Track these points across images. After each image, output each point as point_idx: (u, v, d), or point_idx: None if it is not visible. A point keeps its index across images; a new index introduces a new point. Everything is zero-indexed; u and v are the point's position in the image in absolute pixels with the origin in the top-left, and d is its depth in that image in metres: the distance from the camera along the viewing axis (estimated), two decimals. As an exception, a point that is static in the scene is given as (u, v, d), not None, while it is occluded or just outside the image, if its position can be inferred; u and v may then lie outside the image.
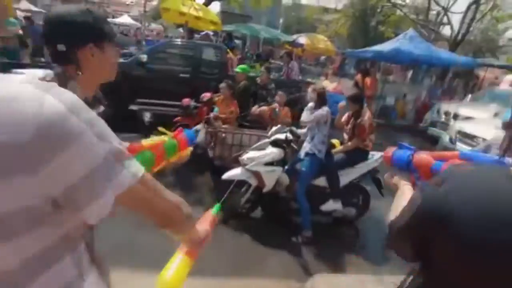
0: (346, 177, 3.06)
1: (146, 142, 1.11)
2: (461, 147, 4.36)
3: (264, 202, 3.14)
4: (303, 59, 11.90)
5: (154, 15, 20.33)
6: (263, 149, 2.96)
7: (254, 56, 8.89)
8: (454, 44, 10.66)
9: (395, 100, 9.20)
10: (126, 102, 5.37)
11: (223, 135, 3.74)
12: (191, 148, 1.31)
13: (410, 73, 13.57)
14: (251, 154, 2.95)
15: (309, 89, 3.05)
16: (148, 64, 5.33)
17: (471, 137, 4.92)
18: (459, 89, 9.91)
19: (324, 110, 2.86)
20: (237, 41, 13.77)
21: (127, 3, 42.60)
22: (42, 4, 25.48)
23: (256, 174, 2.88)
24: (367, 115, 3.00)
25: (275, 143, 2.93)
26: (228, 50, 6.76)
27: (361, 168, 3.08)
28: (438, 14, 15.48)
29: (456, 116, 6.77)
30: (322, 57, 12.88)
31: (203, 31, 10.85)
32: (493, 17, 12.81)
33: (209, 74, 5.58)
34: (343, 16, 13.96)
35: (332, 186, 3.04)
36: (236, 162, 3.12)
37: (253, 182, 2.95)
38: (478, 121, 5.89)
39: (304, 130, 3.09)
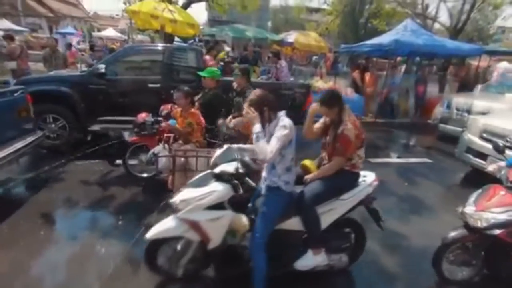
0: (330, 214, 2.13)
1: None
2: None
3: (217, 257, 2.13)
4: (294, 60, 11.16)
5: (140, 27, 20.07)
6: (205, 184, 1.97)
7: (238, 59, 8.07)
8: (454, 32, 9.97)
9: (398, 96, 8.44)
10: (86, 122, 4.52)
11: (182, 159, 2.83)
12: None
13: (403, 67, 13.12)
14: (186, 193, 1.96)
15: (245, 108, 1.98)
16: (108, 75, 4.47)
17: (501, 136, 4.09)
18: (449, 78, 9.12)
19: (285, 124, 1.87)
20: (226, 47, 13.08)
21: (113, 17, 42.30)
22: (26, 23, 24.86)
23: (195, 225, 1.93)
24: (351, 120, 2.07)
25: (221, 177, 1.96)
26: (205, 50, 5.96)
27: (351, 199, 2.16)
28: (426, 7, 15.13)
29: (469, 110, 6.06)
30: (314, 57, 12.15)
31: (190, 38, 10.08)
32: (490, 4, 12.23)
33: (184, 82, 4.72)
34: (333, 10, 13.37)
35: (310, 229, 2.10)
36: None
37: (193, 237, 1.97)
38: (499, 113, 5.13)
39: (246, 146, 2.14)
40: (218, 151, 2.12)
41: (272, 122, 1.95)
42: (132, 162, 3.76)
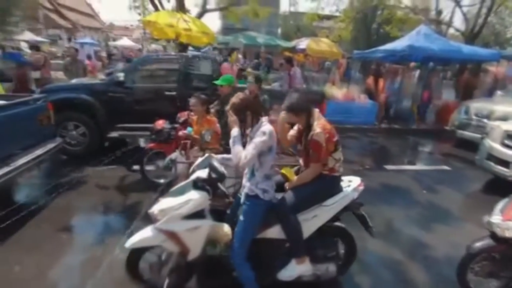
0: (313, 221, 2.06)
1: None
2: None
3: (199, 268, 2.08)
4: (306, 66, 11.18)
5: (154, 37, 20.99)
6: (184, 193, 1.93)
7: (250, 65, 8.16)
8: (470, 37, 9.78)
9: (412, 103, 8.30)
10: (105, 129, 4.64)
11: None
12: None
13: (417, 73, 12.94)
14: (164, 203, 1.93)
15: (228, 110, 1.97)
16: (127, 83, 4.61)
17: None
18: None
19: (264, 131, 1.85)
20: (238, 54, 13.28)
21: (128, 27, 43.75)
22: (46, 34, 26.04)
23: (172, 236, 1.89)
24: (320, 124, 2.02)
25: (197, 185, 1.94)
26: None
27: (334, 205, 2.09)
28: (440, 12, 14.89)
29: (489, 116, 5.92)
30: (327, 63, 12.14)
31: (204, 47, 10.31)
32: (507, 7, 11.97)
33: (200, 90, 4.81)
34: (346, 17, 13.36)
35: (291, 238, 2.04)
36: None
37: (171, 247, 1.93)
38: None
39: (228, 156, 2.08)
40: (198, 160, 2.12)
41: (254, 127, 1.93)
42: (149, 168, 3.83)
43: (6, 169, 2.88)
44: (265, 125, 1.90)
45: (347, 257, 2.29)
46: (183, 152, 3.26)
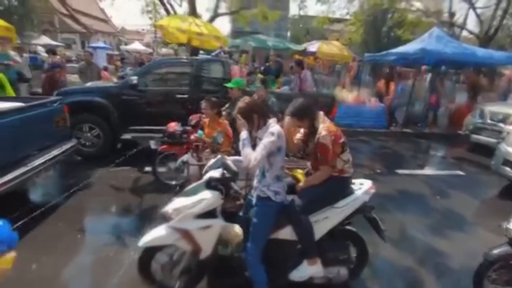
0: (324, 222, 2.07)
1: None
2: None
3: (211, 269, 2.11)
4: (315, 69, 11.16)
5: (165, 41, 21.73)
6: (197, 193, 1.98)
7: (259, 69, 8.19)
8: (485, 39, 9.59)
9: (424, 106, 8.17)
10: (118, 130, 4.74)
11: None
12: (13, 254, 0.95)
13: (428, 76, 12.75)
14: (178, 202, 1.98)
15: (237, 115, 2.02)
16: (140, 86, 4.70)
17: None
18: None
19: (272, 131, 1.88)
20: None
21: (139, 31, 44.56)
22: (62, 38, 26.83)
23: (185, 234, 1.93)
24: (326, 127, 2.03)
25: (210, 184, 1.97)
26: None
27: (345, 207, 2.08)
28: (453, 14, 14.65)
29: (504, 120, 5.78)
30: (337, 66, 12.10)
31: (214, 50, 10.45)
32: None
33: (211, 93, 4.87)
34: (356, 21, 13.31)
35: (303, 239, 2.05)
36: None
37: (184, 245, 1.98)
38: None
39: (239, 158, 2.05)
40: (211, 161, 2.17)
41: (261, 129, 1.97)
42: (161, 169, 3.88)
43: (23, 169, 2.96)
44: (273, 126, 1.93)
45: (359, 261, 2.27)
46: (194, 154, 3.29)
